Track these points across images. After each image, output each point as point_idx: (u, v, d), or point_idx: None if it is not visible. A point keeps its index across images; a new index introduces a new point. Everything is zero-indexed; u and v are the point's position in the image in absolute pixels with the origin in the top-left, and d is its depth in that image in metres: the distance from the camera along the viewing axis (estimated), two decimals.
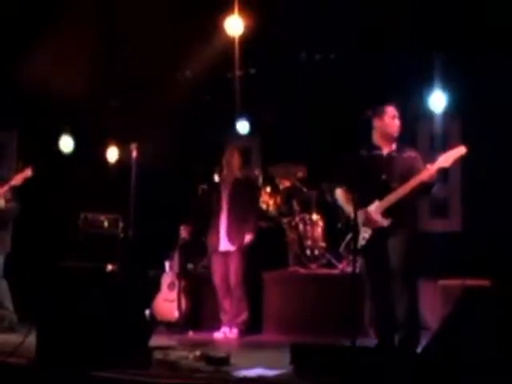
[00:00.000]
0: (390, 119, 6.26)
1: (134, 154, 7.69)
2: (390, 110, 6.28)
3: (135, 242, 7.84)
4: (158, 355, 5.79)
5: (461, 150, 5.96)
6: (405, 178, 5.99)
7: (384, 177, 6.09)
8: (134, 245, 7.80)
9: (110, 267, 5.58)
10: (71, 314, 5.48)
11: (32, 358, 5.54)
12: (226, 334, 7.95)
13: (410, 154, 6.22)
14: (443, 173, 7.88)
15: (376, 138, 6.29)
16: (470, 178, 9.07)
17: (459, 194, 9.41)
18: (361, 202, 5.87)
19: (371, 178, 6.07)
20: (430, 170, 5.93)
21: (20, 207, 8.17)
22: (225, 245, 8.10)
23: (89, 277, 5.73)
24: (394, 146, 6.28)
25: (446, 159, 5.94)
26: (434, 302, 7.65)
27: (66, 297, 5.58)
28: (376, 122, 6.30)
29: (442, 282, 7.80)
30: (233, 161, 8.27)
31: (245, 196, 8.18)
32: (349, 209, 6.16)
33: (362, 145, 6.22)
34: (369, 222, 6.04)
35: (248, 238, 8.03)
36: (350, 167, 6.19)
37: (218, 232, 8.14)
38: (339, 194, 6.41)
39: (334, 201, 6.59)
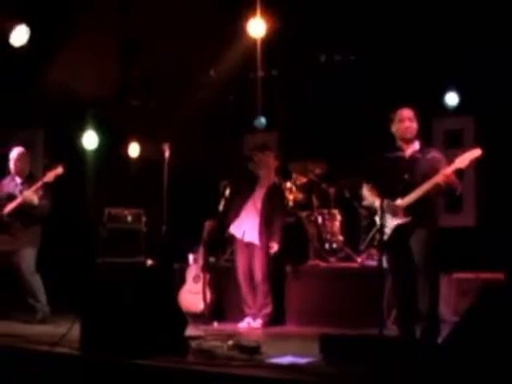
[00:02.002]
0: (398, 123, 6.45)
1: (167, 153, 7.99)
2: (398, 114, 6.48)
3: (164, 237, 8.06)
4: (191, 344, 6.09)
5: (476, 152, 6.17)
6: (427, 178, 6.19)
7: (406, 176, 6.32)
8: (163, 239, 8.03)
9: (149, 262, 5.84)
10: (113, 307, 5.76)
11: (76, 348, 5.85)
12: (250, 324, 8.22)
13: (434, 155, 6.42)
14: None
15: (397, 141, 6.57)
16: (484, 173, 9.26)
17: (473, 190, 9.63)
18: (385, 197, 6.19)
19: (394, 177, 6.32)
20: (445, 172, 6.13)
21: (52, 204, 8.41)
22: (250, 236, 8.36)
23: (129, 271, 6.03)
24: (416, 147, 6.49)
25: (462, 161, 6.14)
26: (448, 295, 7.82)
27: (108, 290, 5.87)
28: (391, 127, 6.56)
29: (456, 276, 7.98)
30: (271, 164, 8.57)
31: (275, 201, 8.48)
32: (375, 201, 6.44)
33: (387, 146, 6.48)
34: (394, 211, 6.30)
35: (274, 248, 8.30)
36: (375, 167, 6.46)
37: (243, 221, 8.43)
38: (366, 190, 6.68)
39: (361, 198, 6.86)
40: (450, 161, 6.25)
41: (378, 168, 6.43)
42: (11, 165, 8.52)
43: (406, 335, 6.27)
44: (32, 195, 8.18)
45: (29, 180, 8.43)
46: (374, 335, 5.73)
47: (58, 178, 8.27)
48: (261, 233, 8.32)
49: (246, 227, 8.40)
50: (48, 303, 8.34)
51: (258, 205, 8.42)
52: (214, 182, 9.62)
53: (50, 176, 8.23)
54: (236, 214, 8.52)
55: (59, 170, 8.26)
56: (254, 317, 8.28)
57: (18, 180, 8.48)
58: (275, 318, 8.38)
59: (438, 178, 6.14)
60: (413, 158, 6.43)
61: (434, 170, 6.22)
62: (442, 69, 9.14)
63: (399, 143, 6.51)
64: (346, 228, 9.29)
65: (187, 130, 9.95)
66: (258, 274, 8.30)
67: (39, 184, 8.21)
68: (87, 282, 6.10)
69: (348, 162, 9.11)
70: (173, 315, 5.94)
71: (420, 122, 6.51)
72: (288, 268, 8.68)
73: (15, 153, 8.53)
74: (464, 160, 6.16)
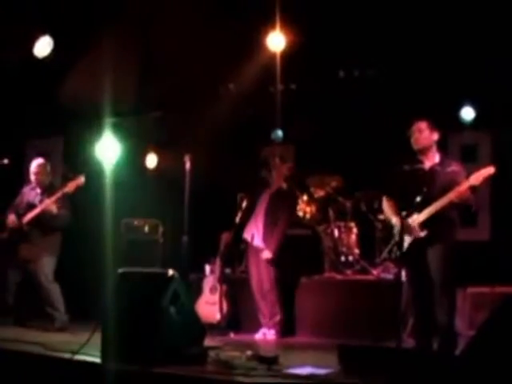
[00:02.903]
0: (412, 135, 6.57)
1: (188, 164, 8.07)
2: (412, 126, 6.60)
3: (186, 247, 8.12)
4: (210, 354, 6.14)
5: (490, 170, 6.27)
6: (446, 191, 6.28)
7: (425, 190, 6.39)
8: (184, 249, 8.09)
9: (170, 271, 5.90)
10: (133, 316, 5.83)
11: (97, 356, 5.91)
12: (265, 335, 8.28)
13: (454, 168, 6.49)
14: None
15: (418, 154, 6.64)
16: (498, 187, 9.27)
17: (488, 204, 9.66)
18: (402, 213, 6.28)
19: (413, 190, 6.42)
20: (460, 189, 6.24)
21: (71, 214, 8.48)
22: (257, 241, 8.45)
23: (149, 280, 6.09)
24: (436, 160, 6.57)
25: (477, 178, 6.24)
26: (463, 309, 7.82)
27: (128, 299, 5.94)
28: None
29: (471, 290, 7.98)
30: (282, 172, 8.64)
31: (279, 205, 8.50)
32: (392, 218, 6.54)
33: (403, 160, 6.54)
34: (408, 231, 6.38)
35: (267, 255, 8.33)
36: (394, 182, 6.53)
37: (252, 226, 8.53)
38: (385, 204, 6.78)
39: (381, 210, 6.93)
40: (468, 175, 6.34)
41: (398, 182, 6.50)
42: (31, 176, 8.61)
43: (423, 347, 6.32)
44: (51, 205, 8.26)
45: (49, 190, 8.52)
46: (392, 347, 5.79)
47: (78, 188, 8.36)
48: (264, 237, 8.40)
49: (254, 231, 8.50)
50: (66, 312, 8.41)
51: (263, 209, 8.51)
52: (231, 194, 9.69)
53: (70, 186, 8.31)
54: (249, 220, 8.64)
55: (80, 180, 8.34)
56: (269, 327, 8.33)
57: (39, 190, 8.57)
58: (291, 329, 8.45)
59: (452, 195, 6.24)
60: (432, 170, 6.52)
61: (453, 184, 6.31)
62: (458, 83, 9.20)
63: (419, 156, 6.59)
64: (362, 241, 9.35)
65: (205, 142, 10.01)
66: (266, 283, 8.36)
67: (59, 194, 8.29)
68: (108, 291, 6.16)
69: (364, 176, 9.20)
70: (192, 325, 6.00)
71: (439, 134, 6.58)
72: (304, 280, 8.73)
73: (34, 165, 8.62)
74: (478, 177, 6.25)
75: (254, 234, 8.50)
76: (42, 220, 8.36)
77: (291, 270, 8.73)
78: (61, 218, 8.37)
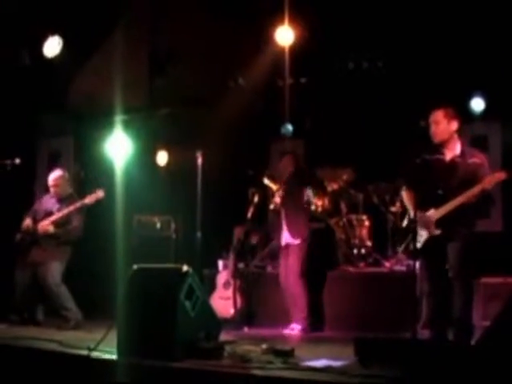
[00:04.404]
0: (430, 126, 6.51)
1: (200, 160, 8.08)
2: (429, 116, 6.54)
3: (200, 243, 8.14)
4: (226, 348, 6.14)
5: (502, 175, 6.32)
6: (465, 185, 6.26)
7: (443, 184, 6.36)
8: (197, 245, 8.11)
9: (185, 267, 5.92)
10: (149, 311, 5.86)
11: (113, 353, 5.93)
12: (293, 329, 8.19)
13: (475, 160, 6.42)
14: None
15: None
16: (510, 178, 9.27)
17: (500, 195, 9.63)
18: (420, 206, 6.29)
19: (431, 183, 6.39)
20: (474, 191, 6.23)
21: (82, 227, 8.51)
22: (285, 239, 8.46)
23: (164, 276, 6.12)
24: (457, 151, 6.47)
25: (489, 182, 6.25)
26: (476, 300, 7.76)
27: (144, 295, 5.96)
28: None
29: (484, 280, 7.95)
30: (288, 166, 8.66)
31: (294, 194, 8.52)
32: (410, 210, 6.50)
33: (425, 149, 6.46)
34: (426, 224, 6.37)
35: (298, 241, 8.36)
36: (413, 171, 6.49)
37: (280, 229, 8.52)
38: (404, 194, 6.73)
39: (400, 200, 6.91)
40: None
41: (416, 174, 6.44)
42: (50, 188, 8.67)
43: (438, 338, 6.32)
44: (47, 226, 8.33)
45: (68, 199, 8.57)
46: (408, 338, 5.80)
47: (98, 201, 8.42)
48: (290, 231, 8.38)
49: (283, 229, 8.49)
50: (79, 309, 8.42)
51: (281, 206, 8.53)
52: (243, 189, 9.70)
53: (91, 199, 8.38)
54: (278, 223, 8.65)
55: (100, 194, 8.41)
56: (296, 322, 8.28)
57: (57, 198, 8.65)
58: (318, 325, 8.41)
59: (469, 195, 6.23)
60: (452, 162, 6.44)
61: (473, 177, 6.29)
62: (468, 74, 9.18)
63: (439, 147, 6.50)
64: (375, 233, 9.34)
65: (216, 137, 10.03)
66: (290, 275, 8.32)
67: (79, 204, 8.37)
68: (122, 287, 6.19)
69: (376, 168, 9.20)
70: (208, 319, 6.02)
71: (458, 121, 6.48)
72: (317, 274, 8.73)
73: (52, 177, 8.68)
74: (491, 181, 6.28)
75: (281, 235, 8.50)
76: (56, 233, 8.41)
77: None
78: (72, 233, 8.46)
